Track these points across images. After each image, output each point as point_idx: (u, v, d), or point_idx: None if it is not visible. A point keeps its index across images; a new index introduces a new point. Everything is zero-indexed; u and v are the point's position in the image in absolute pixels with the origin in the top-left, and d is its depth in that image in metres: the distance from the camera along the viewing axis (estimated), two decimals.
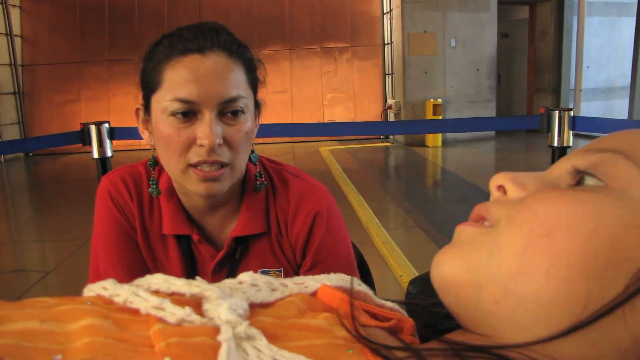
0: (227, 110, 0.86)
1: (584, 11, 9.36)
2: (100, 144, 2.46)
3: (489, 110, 8.92)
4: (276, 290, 0.39)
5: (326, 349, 0.32)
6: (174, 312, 0.31)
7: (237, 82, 0.86)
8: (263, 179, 0.99)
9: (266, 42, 9.40)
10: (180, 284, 0.35)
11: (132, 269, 0.97)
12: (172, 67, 0.84)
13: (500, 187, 0.42)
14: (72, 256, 3.67)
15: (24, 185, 7.22)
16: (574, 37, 9.46)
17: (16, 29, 9.06)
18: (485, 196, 0.43)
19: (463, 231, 0.41)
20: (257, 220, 0.97)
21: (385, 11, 9.32)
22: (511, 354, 0.35)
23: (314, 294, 0.41)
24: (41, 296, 0.33)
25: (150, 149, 0.98)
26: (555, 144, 2.46)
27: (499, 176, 0.42)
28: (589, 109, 9.67)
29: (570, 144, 2.47)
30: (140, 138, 1.05)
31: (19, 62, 9.08)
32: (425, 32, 8.40)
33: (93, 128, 2.45)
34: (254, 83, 0.93)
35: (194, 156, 0.85)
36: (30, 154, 9.05)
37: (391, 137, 9.31)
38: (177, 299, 0.33)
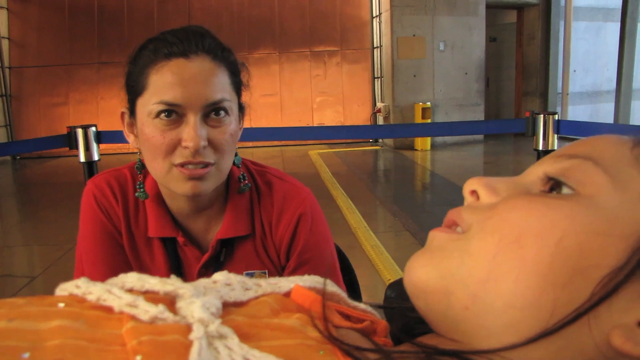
0: (212, 113, 0.87)
1: (571, 16, 9.46)
2: (87, 148, 2.45)
3: (478, 114, 8.97)
4: (250, 289, 0.39)
5: (298, 350, 0.32)
6: (147, 310, 0.31)
7: (221, 86, 0.87)
8: (247, 181, 1.00)
9: (256, 45, 9.40)
10: (154, 282, 0.35)
11: (117, 272, 0.97)
12: (157, 71, 0.85)
13: (474, 192, 0.42)
14: (58, 261, 3.64)
15: (10, 189, 7.14)
16: (560, 41, 9.55)
17: (3, 30, 8.98)
18: None
19: (435, 237, 0.41)
20: (242, 223, 0.98)
21: (374, 15, 9.35)
22: None
23: (287, 295, 0.41)
24: None
25: (136, 153, 0.98)
26: (540, 148, 2.48)
27: (472, 181, 0.42)
28: (575, 112, 9.76)
29: (555, 148, 2.49)
30: (127, 142, 1.05)
31: (6, 64, 8.99)
32: (414, 35, 8.44)
33: (80, 131, 2.44)
34: (238, 86, 0.94)
35: (178, 157, 0.86)
36: (18, 157, 8.95)
37: (380, 140, 9.33)
38: (151, 297, 0.33)
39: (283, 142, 9.08)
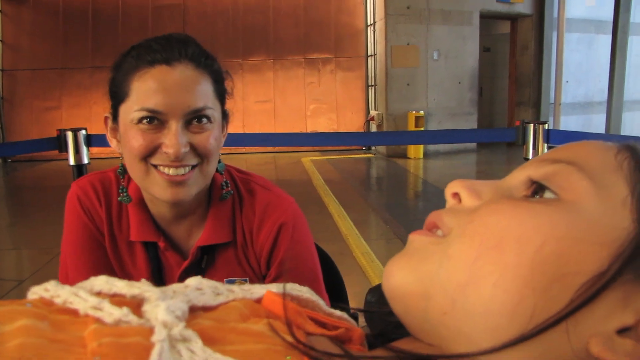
0: (194, 121, 0.87)
1: (563, 28, 9.54)
2: (77, 151, 2.44)
3: (471, 123, 9.00)
4: (221, 294, 0.39)
5: (263, 354, 0.32)
6: (111, 313, 0.31)
7: (203, 93, 0.87)
8: (229, 188, 0.99)
9: (250, 52, 9.40)
10: (121, 285, 0.35)
11: (100, 274, 0.96)
12: (140, 78, 0.86)
13: (456, 195, 0.41)
14: (47, 265, 3.61)
15: (0, 192, 7.10)
16: (553, 52, 9.63)
17: None
18: None
19: (415, 239, 0.41)
20: (223, 230, 0.97)
21: (369, 23, 9.39)
22: None
23: (258, 300, 0.41)
24: None
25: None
26: (530, 156, 2.49)
27: (455, 184, 0.42)
28: (568, 123, 9.82)
29: None
30: None
31: None
32: (408, 44, 8.48)
33: (69, 134, 2.43)
34: (222, 94, 0.95)
35: (157, 159, 0.86)
36: (9, 160, 8.90)
37: (373, 148, 9.35)
38: (118, 300, 0.33)
39: (276, 149, 9.07)
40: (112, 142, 0.96)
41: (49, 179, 7.48)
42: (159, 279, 0.97)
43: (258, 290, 0.41)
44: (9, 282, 3.39)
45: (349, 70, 9.62)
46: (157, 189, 0.88)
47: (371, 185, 7.13)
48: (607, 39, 7.31)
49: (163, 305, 0.32)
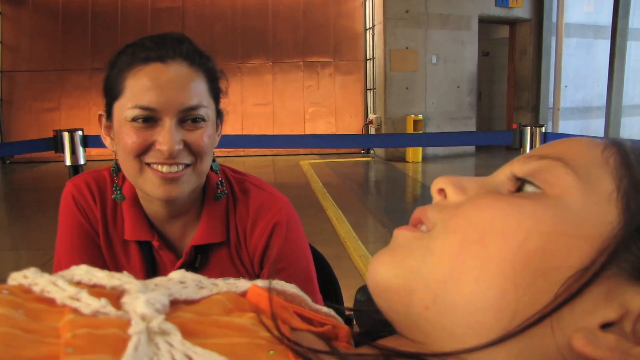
0: (188, 118, 0.87)
1: (562, 32, 9.56)
2: (74, 152, 2.43)
3: (469, 127, 9.01)
4: (204, 288, 0.38)
5: (246, 348, 0.31)
6: (89, 303, 0.30)
7: (197, 91, 0.87)
8: (224, 188, 0.99)
9: (249, 55, 9.41)
10: (101, 276, 0.34)
11: None
12: (134, 75, 0.86)
13: (442, 191, 0.41)
14: (44, 265, 3.60)
15: None
16: (552, 57, 9.64)
17: None
18: None
19: (399, 235, 0.40)
20: (217, 230, 0.97)
21: (367, 27, 9.40)
22: None
23: (243, 294, 0.40)
24: None
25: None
26: None
27: (440, 179, 0.41)
28: (566, 127, 9.82)
29: None
30: None
31: None
32: (407, 48, 8.49)
33: (66, 135, 2.42)
34: (216, 93, 0.94)
35: (151, 157, 0.86)
36: (8, 161, 8.90)
37: (372, 151, 9.35)
38: (97, 290, 0.33)
39: (274, 152, 9.07)
40: (106, 140, 0.96)
41: (47, 180, 7.47)
42: (153, 277, 0.97)
43: (243, 284, 0.41)
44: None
45: (347, 73, 9.62)
46: (150, 186, 0.88)
47: (369, 188, 7.12)
48: (606, 44, 7.32)
49: (143, 298, 0.31)
